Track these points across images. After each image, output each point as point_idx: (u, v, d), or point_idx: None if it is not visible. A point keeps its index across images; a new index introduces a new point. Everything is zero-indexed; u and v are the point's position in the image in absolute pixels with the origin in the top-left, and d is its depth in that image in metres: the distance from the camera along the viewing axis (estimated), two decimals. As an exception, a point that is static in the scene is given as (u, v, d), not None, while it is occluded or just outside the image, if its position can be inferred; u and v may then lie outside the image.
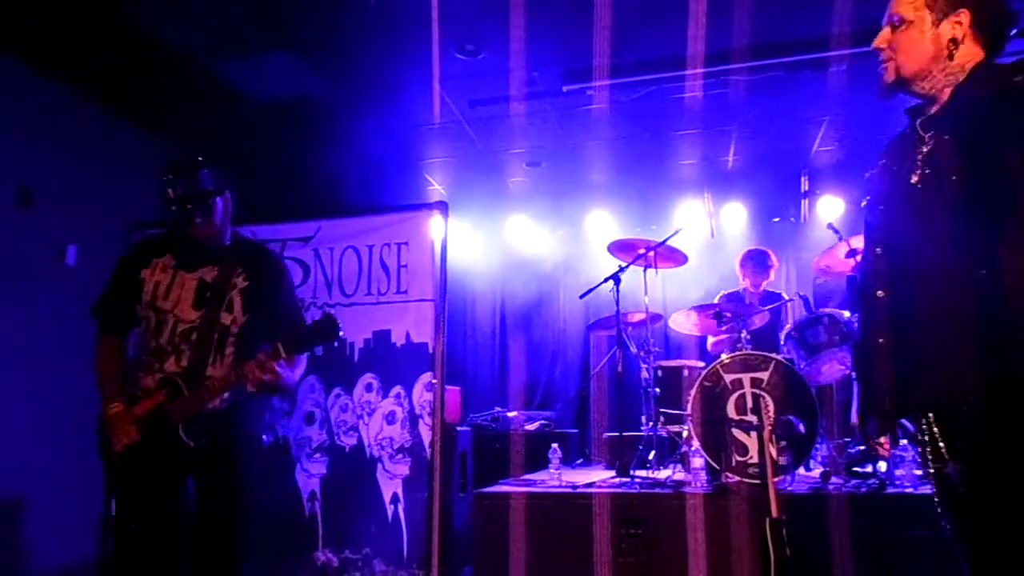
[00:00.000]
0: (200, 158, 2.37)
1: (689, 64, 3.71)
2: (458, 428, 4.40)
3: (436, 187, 6.22)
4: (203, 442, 2.26)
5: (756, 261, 4.95)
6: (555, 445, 4.01)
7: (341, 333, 2.21)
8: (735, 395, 3.79)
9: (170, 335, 2.31)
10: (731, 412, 3.78)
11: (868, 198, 1.65)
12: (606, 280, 4.38)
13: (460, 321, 6.82)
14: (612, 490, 3.41)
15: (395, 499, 3.46)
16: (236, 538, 2.33)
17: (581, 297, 5.00)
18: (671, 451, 4.24)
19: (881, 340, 1.55)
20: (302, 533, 3.58)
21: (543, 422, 5.49)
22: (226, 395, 2.31)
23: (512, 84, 4.24)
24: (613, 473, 4.01)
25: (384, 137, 5.02)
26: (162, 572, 2.23)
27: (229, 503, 2.33)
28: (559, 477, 3.78)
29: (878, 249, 1.58)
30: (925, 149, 1.50)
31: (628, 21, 3.52)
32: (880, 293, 1.57)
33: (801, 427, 3.62)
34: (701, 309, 4.75)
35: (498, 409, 5.62)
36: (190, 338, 2.31)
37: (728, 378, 3.84)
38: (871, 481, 3.43)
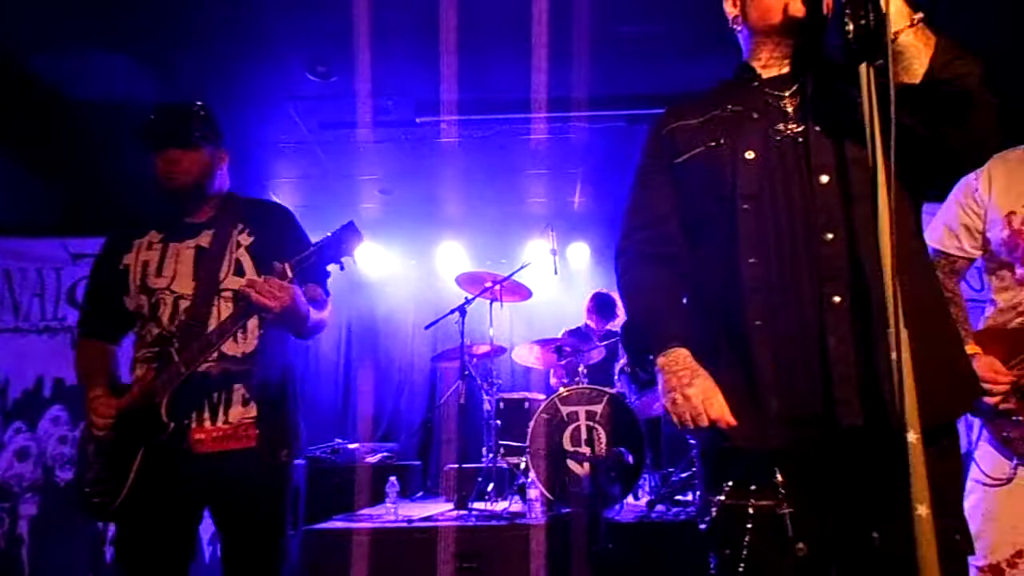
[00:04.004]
0: (198, 103, 2.08)
1: (533, 108, 3.88)
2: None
3: (283, 208, 5.97)
4: (190, 423, 1.86)
5: (602, 306, 5.19)
6: (392, 478, 3.93)
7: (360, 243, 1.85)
8: (571, 427, 3.93)
9: (171, 315, 1.94)
10: (567, 444, 3.91)
11: (715, 144, 1.39)
12: (452, 312, 4.41)
13: (302, 348, 6.54)
14: (448, 523, 3.39)
15: (213, 539, 3.21)
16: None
17: (427, 328, 4.99)
18: (511, 483, 4.29)
19: (759, 323, 1.29)
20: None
21: (386, 454, 5.36)
22: (236, 357, 1.91)
23: (365, 110, 4.19)
24: (451, 506, 3.99)
25: (228, 151, 4.76)
26: None
27: (251, 540, 1.93)
28: (395, 511, 3.70)
29: (745, 206, 1.33)
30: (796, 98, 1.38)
31: (475, 61, 3.63)
32: (752, 260, 1.32)
33: (630, 458, 3.81)
34: (543, 343, 4.91)
35: (339, 441, 5.42)
36: (194, 313, 1.94)
37: (565, 410, 3.97)
38: (690, 509, 3.66)
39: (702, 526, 1.36)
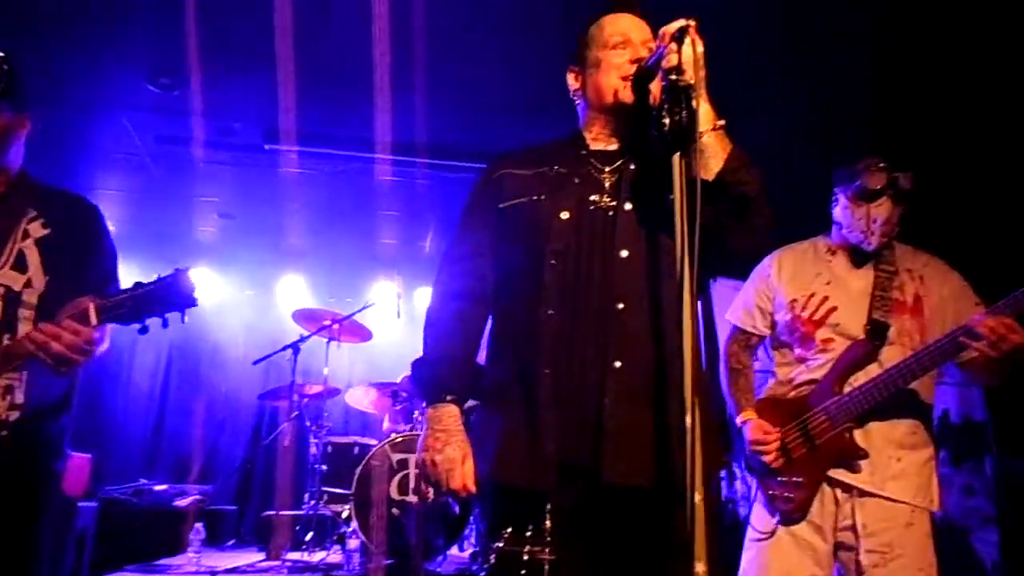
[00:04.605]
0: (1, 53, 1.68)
1: (379, 149, 3.89)
2: (80, 503, 3.74)
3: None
4: None
5: None
6: (199, 525, 3.63)
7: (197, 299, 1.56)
8: (399, 475, 3.84)
9: None
10: (394, 492, 3.81)
11: (537, 198, 1.49)
12: (284, 348, 4.22)
13: (113, 375, 5.93)
14: (256, 575, 3.17)
15: None
16: None
17: (255, 363, 4.73)
18: (332, 532, 4.10)
19: (547, 371, 1.38)
20: None
21: (197, 497, 4.93)
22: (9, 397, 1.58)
23: (210, 130, 3.98)
24: (263, 556, 3.74)
25: (47, 149, 4.29)
26: None
27: None
28: (198, 561, 3.41)
29: (553, 260, 1.42)
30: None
31: (329, 96, 3.59)
32: (551, 312, 1.41)
33: (456, 508, 3.78)
34: (380, 387, 4.80)
35: (144, 481, 4.93)
36: None
37: (396, 457, 3.88)
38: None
39: (481, 574, 1.41)
